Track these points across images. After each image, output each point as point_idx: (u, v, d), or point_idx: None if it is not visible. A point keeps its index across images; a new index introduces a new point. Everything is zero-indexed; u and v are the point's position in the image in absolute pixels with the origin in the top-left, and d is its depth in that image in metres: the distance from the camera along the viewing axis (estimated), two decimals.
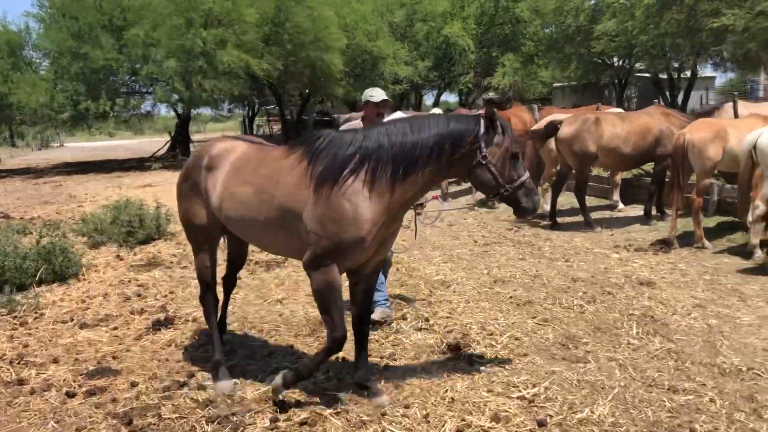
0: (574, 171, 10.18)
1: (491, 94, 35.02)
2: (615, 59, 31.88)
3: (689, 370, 4.53)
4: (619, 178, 11.25)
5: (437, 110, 16.83)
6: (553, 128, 9.14)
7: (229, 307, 6.39)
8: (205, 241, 4.78)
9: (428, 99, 56.55)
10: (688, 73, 31.22)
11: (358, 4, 29.75)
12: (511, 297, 6.44)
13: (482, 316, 5.87)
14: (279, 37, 25.08)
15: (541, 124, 10.85)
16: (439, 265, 7.79)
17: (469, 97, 35.67)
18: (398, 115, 17.01)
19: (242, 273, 7.70)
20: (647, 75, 37.42)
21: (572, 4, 26.84)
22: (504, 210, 11.07)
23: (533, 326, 5.59)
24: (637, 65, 35.20)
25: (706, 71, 34.88)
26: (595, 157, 9.65)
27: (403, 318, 5.93)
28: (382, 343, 5.34)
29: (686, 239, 8.41)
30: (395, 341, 5.38)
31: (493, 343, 5.21)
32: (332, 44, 25.74)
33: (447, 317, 5.92)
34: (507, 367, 4.70)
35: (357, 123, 5.59)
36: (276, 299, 6.70)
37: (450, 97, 60.23)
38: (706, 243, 8.08)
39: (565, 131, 9.63)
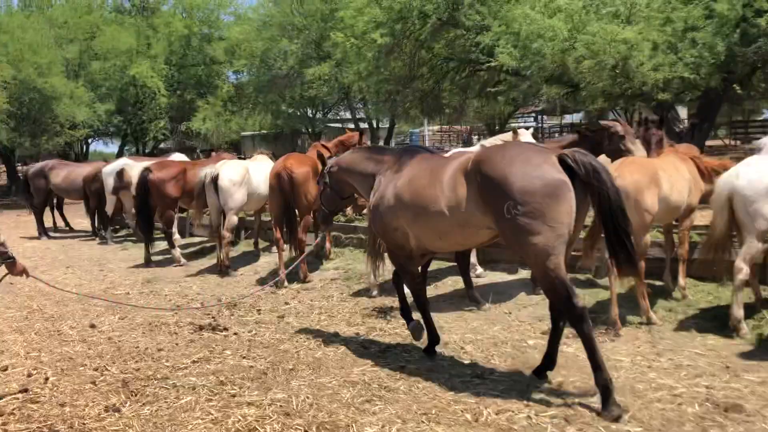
0: None
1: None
2: (310, 109, 31.23)
3: None
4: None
5: (179, 155, 13.40)
6: None
7: None
8: None
9: (105, 148, 50.31)
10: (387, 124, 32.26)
11: (21, 32, 24.05)
12: None
13: None
14: None
15: None
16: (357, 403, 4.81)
17: (160, 145, 31.60)
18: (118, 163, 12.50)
19: None
20: (338, 125, 38.05)
21: (280, 46, 25.22)
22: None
23: None
24: (329, 115, 35.46)
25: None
26: None
27: None
28: None
29: None
30: None
31: None
32: None
33: None
34: None
35: None
36: None
37: (106, 148, 54.40)
38: None
39: None
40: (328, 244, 9.95)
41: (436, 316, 6.64)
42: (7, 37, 22.99)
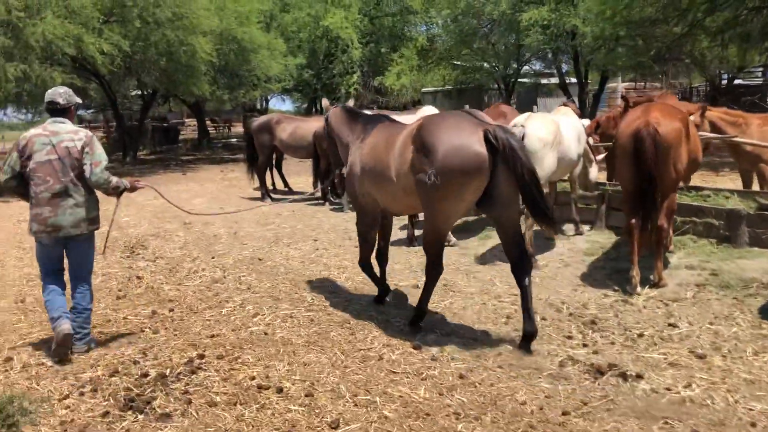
0: None
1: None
2: (501, 63, 28.07)
3: None
4: None
5: (430, 108, 11.24)
6: None
7: None
8: None
9: (282, 104, 50.30)
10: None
11: None
12: None
13: None
14: (126, 10, 17.92)
15: None
16: None
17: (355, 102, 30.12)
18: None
19: None
20: (527, 81, 34.72)
21: None
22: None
23: None
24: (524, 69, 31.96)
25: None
26: None
27: None
28: None
29: None
30: None
31: None
32: (200, 24, 19.08)
33: None
34: None
35: None
36: None
37: (282, 105, 54.16)
38: None
39: None
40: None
41: None
42: None
